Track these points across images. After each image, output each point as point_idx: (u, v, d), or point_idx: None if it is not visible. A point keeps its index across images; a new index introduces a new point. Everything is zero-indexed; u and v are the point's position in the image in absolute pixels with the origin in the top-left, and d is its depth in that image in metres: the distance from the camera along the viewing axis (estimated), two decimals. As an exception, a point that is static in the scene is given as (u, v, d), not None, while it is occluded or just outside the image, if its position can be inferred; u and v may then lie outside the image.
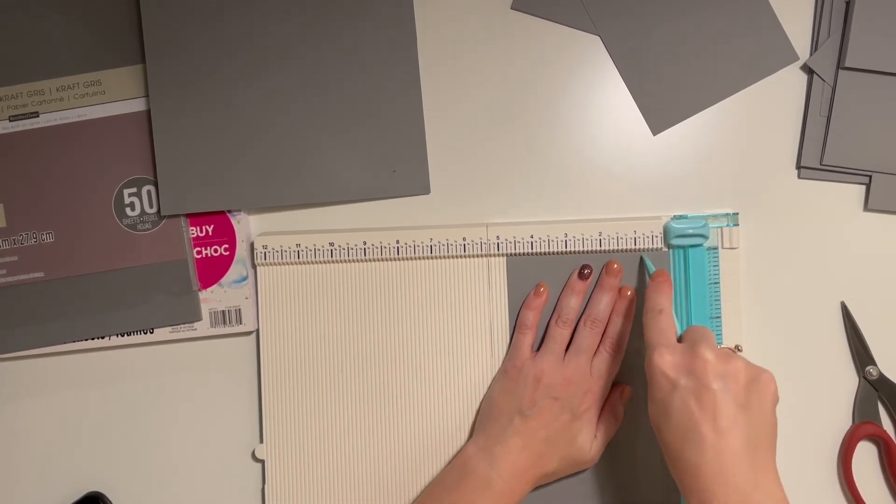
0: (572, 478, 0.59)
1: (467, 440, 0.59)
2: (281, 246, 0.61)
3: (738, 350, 0.58)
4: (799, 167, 0.61)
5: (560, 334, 0.57)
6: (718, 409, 0.46)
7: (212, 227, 0.62)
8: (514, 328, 0.59)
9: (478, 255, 0.60)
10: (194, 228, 0.62)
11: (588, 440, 0.56)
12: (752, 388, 0.48)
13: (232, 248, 0.61)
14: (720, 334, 0.59)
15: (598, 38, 0.62)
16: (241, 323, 0.61)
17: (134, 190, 0.61)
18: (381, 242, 0.60)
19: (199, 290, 0.61)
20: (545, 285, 0.59)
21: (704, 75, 0.61)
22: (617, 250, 0.59)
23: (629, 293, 0.58)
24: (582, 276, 0.58)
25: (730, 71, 0.61)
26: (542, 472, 0.55)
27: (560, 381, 0.55)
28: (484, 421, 0.57)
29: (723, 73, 0.61)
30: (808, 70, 0.61)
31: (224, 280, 0.61)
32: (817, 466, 0.60)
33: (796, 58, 0.61)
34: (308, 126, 0.61)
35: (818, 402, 0.60)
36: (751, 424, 0.47)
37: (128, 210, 0.61)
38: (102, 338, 0.61)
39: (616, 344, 0.57)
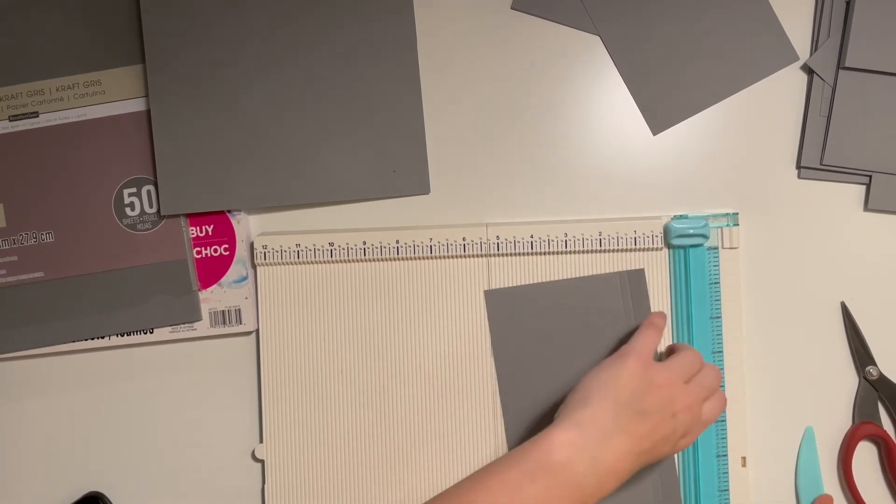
0: None
1: (552, 424, 0.51)
2: (281, 246, 0.61)
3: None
4: (799, 167, 0.61)
5: (691, 362, 0.53)
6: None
7: (212, 227, 0.62)
8: (642, 324, 0.55)
9: (478, 255, 0.60)
10: (194, 228, 0.62)
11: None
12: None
13: (232, 248, 0.61)
14: (720, 334, 0.59)
15: (598, 38, 0.62)
16: (241, 323, 0.61)
17: (134, 190, 0.61)
18: (381, 242, 0.60)
19: (199, 290, 0.61)
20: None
21: (704, 75, 0.61)
22: (617, 250, 0.59)
23: None
24: None
25: (730, 71, 0.61)
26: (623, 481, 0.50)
27: (683, 402, 0.51)
28: (578, 404, 0.50)
29: (723, 73, 0.61)
30: (808, 70, 0.61)
31: (224, 280, 0.61)
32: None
33: (796, 58, 0.61)
34: (308, 126, 0.61)
35: (818, 402, 0.60)
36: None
37: (128, 210, 0.61)
38: (102, 338, 0.61)
39: (725, 400, 0.55)
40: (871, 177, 0.60)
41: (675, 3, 0.61)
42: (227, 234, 0.61)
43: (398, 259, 0.60)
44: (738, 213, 0.60)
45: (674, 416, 0.50)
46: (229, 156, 0.61)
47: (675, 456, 0.59)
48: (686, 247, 0.59)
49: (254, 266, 0.61)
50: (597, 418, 0.49)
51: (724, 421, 0.59)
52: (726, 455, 0.59)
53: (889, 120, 0.59)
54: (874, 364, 0.59)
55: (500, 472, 0.47)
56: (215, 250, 0.62)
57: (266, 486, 0.61)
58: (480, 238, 0.60)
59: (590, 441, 0.48)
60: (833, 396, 0.60)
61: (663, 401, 0.50)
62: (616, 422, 0.49)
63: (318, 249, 0.60)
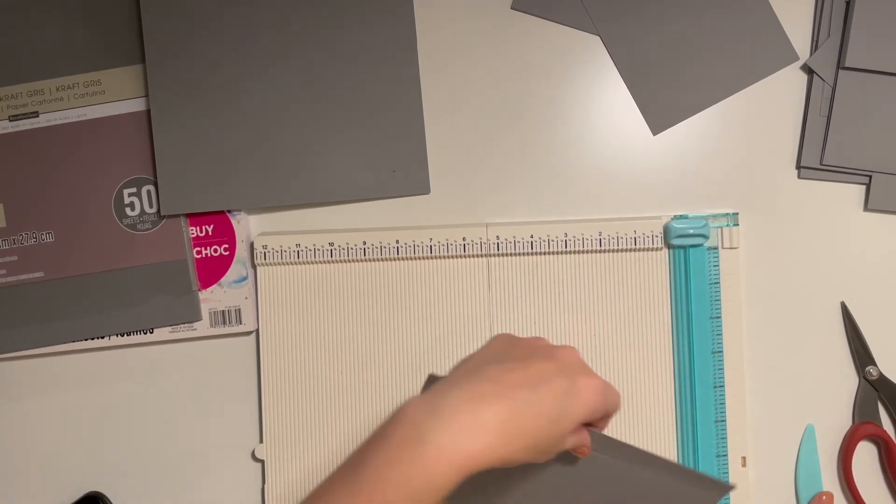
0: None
1: None
2: (281, 246, 0.61)
3: None
4: (799, 167, 0.61)
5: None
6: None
7: (212, 227, 0.62)
8: None
9: (478, 255, 0.60)
10: (194, 228, 0.62)
11: (572, 423, 0.42)
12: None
13: (232, 248, 0.61)
14: (720, 334, 0.59)
15: (598, 37, 0.62)
16: (240, 323, 0.61)
17: (134, 190, 0.61)
18: (381, 242, 0.60)
19: (199, 290, 0.61)
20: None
21: (704, 75, 0.61)
22: (617, 250, 0.59)
23: None
24: None
25: (730, 71, 0.61)
26: (511, 446, 0.39)
27: (551, 347, 0.44)
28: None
29: (723, 73, 0.61)
30: (808, 70, 0.61)
31: (224, 280, 0.61)
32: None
33: (796, 58, 0.61)
34: (308, 126, 0.61)
35: (818, 402, 0.60)
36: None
37: (128, 210, 0.61)
38: (102, 338, 0.61)
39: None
40: (871, 177, 0.60)
41: (675, 2, 0.61)
42: (227, 234, 0.61)
43: (398, 259, 0.60)
44: (738, 213, 0.60)
45: (552, 360, 0.43)
46: (229, 156, 0.61)
47: (675, 455, 0.59)
48: (686, 247, 0.59)
49: (254, 266, 0.61)
50: (451, 378, 0.41)
51: (724, 421, 0.59)
52: (726, 455, 0.59)
53: (889, 120, 0.59)
54: (874, 364, 0.59)
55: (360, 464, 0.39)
56: (215, 250, 0.62)
57: (266, 486, 0.61)
58: (480, 238, 0.60)
59: (442, 390, 0.40)
60: (833, 396, 0.60)
61: (530, 348, 0.44)
62: (479, 371, 0.41)
63: (318, 249, 0.60)
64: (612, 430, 0.60)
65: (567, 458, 0.45)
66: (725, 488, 0.45)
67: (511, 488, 0.47)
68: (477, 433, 0.38)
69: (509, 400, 0.39)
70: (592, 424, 0.45)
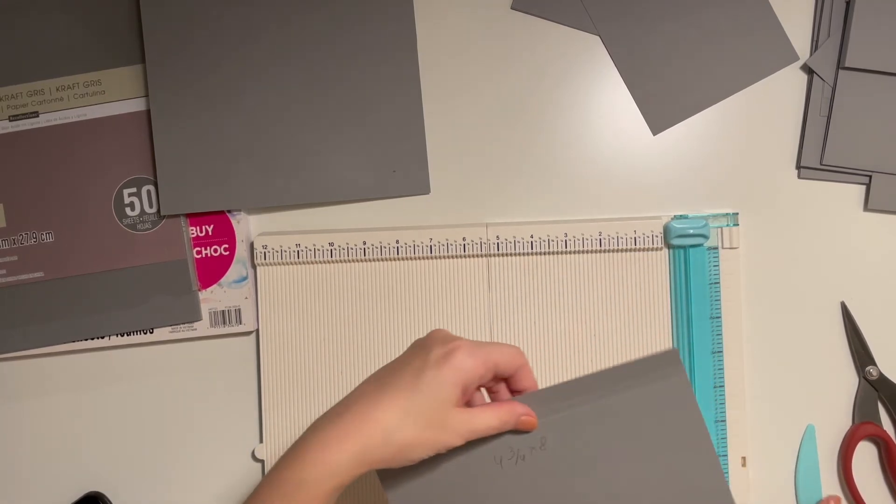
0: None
1: None
2: (281, 246, 0.61)
3: None
4: (799, 167, 0.61)
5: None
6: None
7: (212, 227, 0.62)
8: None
9: (478, 255, 0.60)
10: (194, 228, 0.62)
11: (451, 394, 0.42)
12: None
13: (232, 248, 0.61)
14: (720, 334, 0.59)
15: (598, 37, 0.62)
16: (240, 323, 0.61)
17: (134, 190, 0.61)
18: (380, 242, 0.60)
19: (199, 290, 0.61)
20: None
21: (705, 75, 0.61)
22: (617, 250, 0.60)
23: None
24: None
25: (730, 71, 0.61)
26: (378, 423, 0.42)
27: (434, 334, 0.45)
28: None
29: (723, 73, 0.61)
30: (808, 70, 0.61)
31: (224, 280, 0.61)
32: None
33: (796, 58, 0.61)
34: (308, 126, 0.61)
35: (818, 402, 0.60)
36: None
37: (128, 210, 0.61)
38: (102, 338, 0.61)
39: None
40: (871, 177, 0.60)
41: (675, 2, 0.61)
42: (227, 234, 0.61)
43: (398, 259, 0.60)
44: (738, 213, 0.60)
45: (411, 352, 0.45)
46: (229, 156, 0.61)
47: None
48: (686, 247, 0.59)
49: (254, 266, 0.61)
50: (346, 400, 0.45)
51: (724, 421, 0.59)
52: (726, 455, 0.59)
53: (889, 120, 0.59)
54: (874, 364, 0.59)
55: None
56: (215, 250, 0.62)
57: (266, 486, 0.61)
58: (480, 238, 0.60)
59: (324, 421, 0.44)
60: (833, 396, 0.60)
61: (413, 348, 0.45)
62: (353, 396, 0.45)
63: (318, 249, 0.60)
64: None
65: (531, 442, 0.44)
66: (673, 355, 0.44)
67: (506, 492, 0.46)
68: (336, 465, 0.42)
69: (365, 422, 0.42)
70: (518, 391, 0.45)
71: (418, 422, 0.42)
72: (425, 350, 0.44)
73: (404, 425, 0.42)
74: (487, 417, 0.43)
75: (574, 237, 0.60)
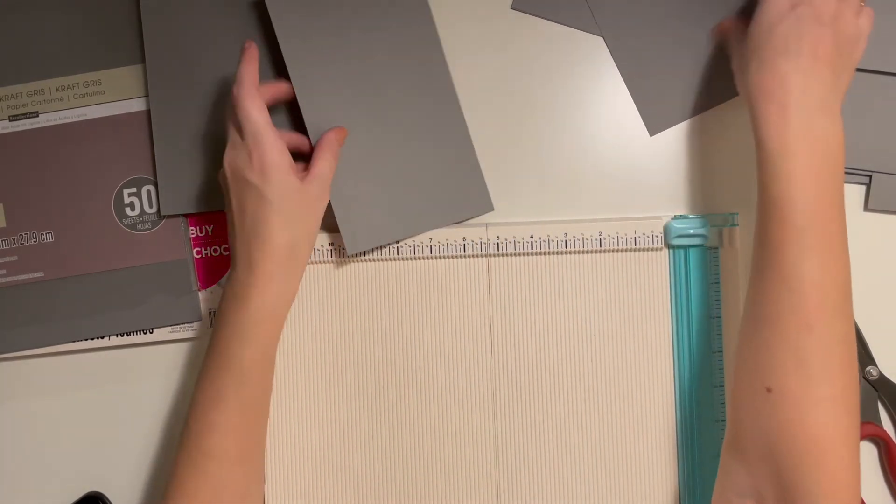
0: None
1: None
2: (281, 246, 0.60)
3: None
4: (799, 167, 0.61)
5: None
6: (821, 42, 0.49)
7: (212, 227, 0.62)
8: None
9: (478, 255, 0.60)
10: (194, 228, 0.62)
11: (291, 182, 0.52)
12: (854, 44, 0.52)
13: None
14: (720, 334, 0.59)
15: (599, 38, 0.62)
16: (241, 323, 0.61)
17: (134, 190, 0.61)
18: (381, 242, 0.60)
19: (199, 290, 0.61)
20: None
21: (705, 75, 0.61)
22: (617, 250, 0.60)
23: None
24: None
25: (730, 72, 0.61)
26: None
27: None
28: None
29: (723, 74, 0.61)
30: (808, 70, 0.61)
31: (224, 280, 0.61)
32: (817, 466, 0.60)
33: (796, 58, 0.61)
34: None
35: (818, 402, 0.60)
36: (838, 70, 0.50)
37: (128, 210, 0.61)
38: (102, 338, 0.61)
39: None
40: (871, 177, 0.60)
41: (677, 3, 0.61)
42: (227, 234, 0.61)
43: (398, 259, 0.60)
44: (737, 214, 0.60)
45: None
46: (229, 156, 0.60)
47: (675, 455, 0.59)
48: (686, 247, 0.59)
49: (254, 266, 0.61)
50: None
51: (725, 421, 0.59)
52: (726, 455, 0.59)
53: (889, 120, 0.59)
54: (874, 364, 0.59)
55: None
56: (215, 250, 0.62)
57: (266, 486, 0.61)
58: (480, 238, 0.60)
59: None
60: (833, 396, 0.60)
61: None
62: None
63: (319, 249, 0.60)
64: (613, 429, 0.60)
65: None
66: None
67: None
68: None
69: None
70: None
71: (295, 218, 0.52)
72: (242, 182, 0.52)
73: (289, 231, 0.52)
74: (323, 164, 0.54)
75: (574, 237, 0.60)
